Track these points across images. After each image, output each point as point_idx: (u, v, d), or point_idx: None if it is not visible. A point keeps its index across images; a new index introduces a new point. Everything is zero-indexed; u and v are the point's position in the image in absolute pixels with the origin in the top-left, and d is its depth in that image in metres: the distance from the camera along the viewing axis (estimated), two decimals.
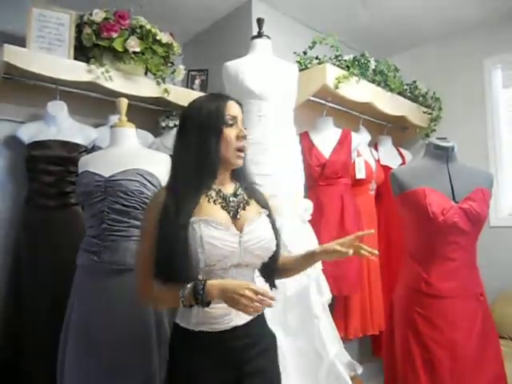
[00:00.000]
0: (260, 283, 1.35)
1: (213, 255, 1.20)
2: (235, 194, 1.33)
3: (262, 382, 1.28)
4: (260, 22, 2.39)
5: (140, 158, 1.95)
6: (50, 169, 2.19)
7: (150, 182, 1.87)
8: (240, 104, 1.36)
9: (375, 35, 3.39)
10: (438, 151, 1.97)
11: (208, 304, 1.16)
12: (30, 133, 2.25)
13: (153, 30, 2.41)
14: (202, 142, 1.26)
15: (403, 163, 3.25)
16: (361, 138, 2.85)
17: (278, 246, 1.36)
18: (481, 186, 1.91)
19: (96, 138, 2.39)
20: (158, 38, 2.44)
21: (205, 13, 2.99)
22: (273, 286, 1.39)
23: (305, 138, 2.68)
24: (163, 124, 2.80)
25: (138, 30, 2.38)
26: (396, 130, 3.44)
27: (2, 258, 2.29)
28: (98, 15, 2.28)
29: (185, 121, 1.35)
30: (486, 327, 1.85)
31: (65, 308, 1.86)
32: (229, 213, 1.28)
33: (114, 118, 2.27)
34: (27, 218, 2.20)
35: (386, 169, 2.98)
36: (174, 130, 2.80)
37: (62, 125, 2.29)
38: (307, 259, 1.41)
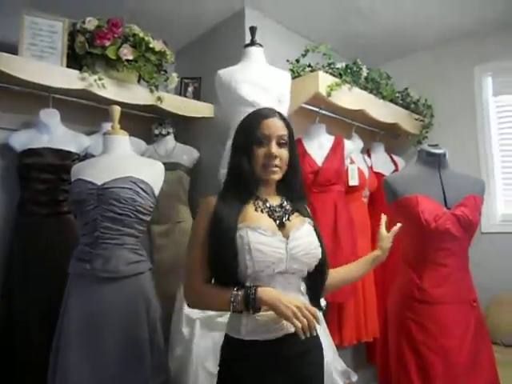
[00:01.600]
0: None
1: (260, 261, 1.24)
2: (281, 206, 1.39)
3: None
4: (253, 30, 2.40)
5: (133, 165, 1.95)
6: (43, 177, 2.18)
7: (142, 189, 1.87)
8: (284, 119, 1.42)
9: (367, 43, 3.41)
10: (430, 158, 1.99)
11: (258, 310, 1.20)
12: (22, 140, 2.24)
13: (146, 38, 2.42)
14: (237, 160, 1.37)
15: (396, 170, 3.27)
16: (353, 145, 2.86)
17: (323, 255, 1.39)
18: (473, 192, 1.92)
19: (89, 146, 2.39)
20: (151, 45, 2.44)
21: (198, 21, 3.00)
22: (318, 306, 1.38)
23: (298, 145, 2.68)
24: (156, 131, 2.81)
25: (131, 38, 2.38)
26: (388, 137, 3.46)
27: None
28: (91, 23, 2.28)
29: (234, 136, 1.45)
30: (479, 333, 1.86)
31: (57, 316, 1.84)
32: (275, 221, 1.33)
33: (106, 126, 2.27)
34: (19, 226, 2.19)
35: (379, 176, 3.00)
36: (167, 138, 2.81)
37: (55, 132, 2.29)
38: (365, 265, 1.61)
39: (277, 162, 1.34)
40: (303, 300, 1.30)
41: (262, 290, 1.20)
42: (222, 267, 1.26)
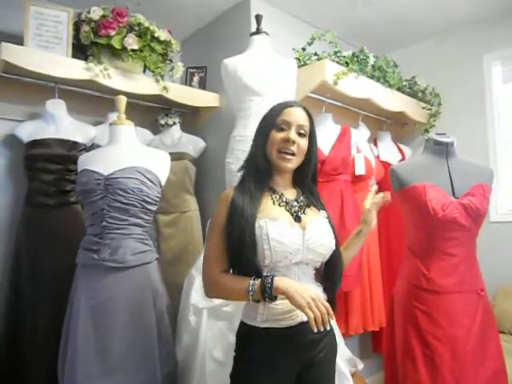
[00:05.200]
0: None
1: (279, 252, 1.26)
2: (296, 200, 1.41)
3: (320, 373, 1.37)
4: (258, 18, 2.39)
5: (139, 155, 1.95)
6: (50, 167, 2.18)
7: (149, 179, 1.87)
8: (307, 111, 1.42)
9: (374, 31, 3.38)
10: (438, 147, 1.97)
11: (275, 299, 1.22)
12: (28, 131, 2.24)
13: (151, 28, 2.40)
14: (254, 145, 1.41)
15: (403, 159, 3.25)
16: (360, 134, 2.84)
17: (337, 246, 1.42)
18: (481, 181, 1.90)
19: (95, 136, 2.39)
20: (156, 35, 2.43)
21: (203, 9, 2.98)
22: (333, 303, 1.35)
23: None
24: (162, 122, 2.80)
25: (136, 28, 2.37)
26: (395, 125, 3.43)
27: (2, 256, 2.29)
28: (96, 13, 2.27)
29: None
30: (487, 322, 1.85)
31: (65, 306, 1.86)
32: (292, 214, 1.36)
33: (112, 116, 2.27)
34: (27, 217, 2.20)
35: (386, 165, 2.98)
36: (173, 128, 2.81)
37: (61, 123, 2.29)
38: (354, 239, 1.55)
39: (294, 148, 1.34)
40: (318, 291, 1.33)
41: (279, 280, 1.22)
42: (241, 257, 1.27)
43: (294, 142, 1.34)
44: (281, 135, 1.35)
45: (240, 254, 1.27)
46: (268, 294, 1.21)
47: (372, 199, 1.56)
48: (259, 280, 1.23)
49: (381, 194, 1.58)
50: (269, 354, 1.28)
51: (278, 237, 1.26)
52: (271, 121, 1.38)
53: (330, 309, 1.21)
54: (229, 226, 1.29)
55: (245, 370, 1.32)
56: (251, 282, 1.23)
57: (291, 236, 1.28)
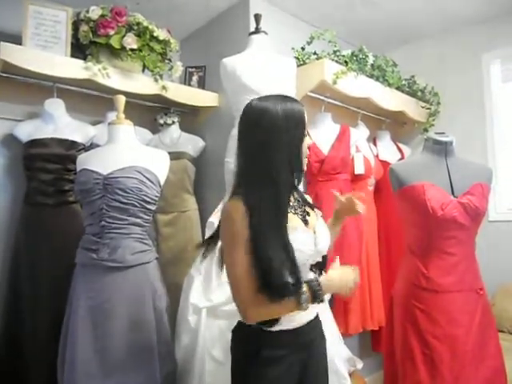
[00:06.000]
0: None
1: (300, 260, 1.23)
2: (296, 202, 1.39)
3: (321, 365, 1.42)
4: (258, 17, 2.38)
5: (138, 155, 1.94)
6: (48, 167, 2.18)
7: (148, 179, 1.87)
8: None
9: (373, 30, 3.37)
10: (437, 146, 1.97)
11: (324, 300, 1.25)
12: (27, 131, 2.24)
13: (150, 27, 2.40)
14: (283, 151, 1.25)
15: (402, 158, 3.25)
16: (359, 134, 2.84)
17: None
18: (480, 180, 1.90)
19: (94, 136, 2.39)
20: (155, 34, 2.43)
21: (202, 9, 2.97)
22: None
23: None
24: (161, 121, 2.80)
25: (135, 27, 2.37)
26: (394, 125, 3.43)
27: (1, 255, 2.29)
28: (95, 12, 2.27)
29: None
30: (486, 321, 1.85)
31: (64, 305, 1.86)
32: (301, 219, 1.34)
33: (111, 116, 2.27)
34: (26, 216, 2.20)
35: (385, 164, 2.98)
36: (172, 127, 2.81)
37: (60, 122, 2.28)
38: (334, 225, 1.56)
39: None
40: (346, 271, 1.33)
41: (323, 279, 1.25)
42: (273, 272, 1.17)
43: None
44: (306, 140, 1.33)
45: (273, 267, 1.16)
46: (319, 298, 1.22)
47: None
48: (306, 287, 1.20)
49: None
50: (284, 356, 1.29)
51: (299, 245, 1.24)
52: (302, 127, 1.30)
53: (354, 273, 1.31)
54: (257, 242, 1.18)
55: (258, 372, 1.29)
56: (300, 292, 1.19)
57: (307, 242, 1.28)
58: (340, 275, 1.29)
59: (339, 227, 1.58)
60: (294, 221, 1.29)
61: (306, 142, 1.33)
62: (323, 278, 1.25)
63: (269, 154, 1.24)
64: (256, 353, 1.29)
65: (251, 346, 1.32)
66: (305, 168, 1.36)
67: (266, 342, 1.30)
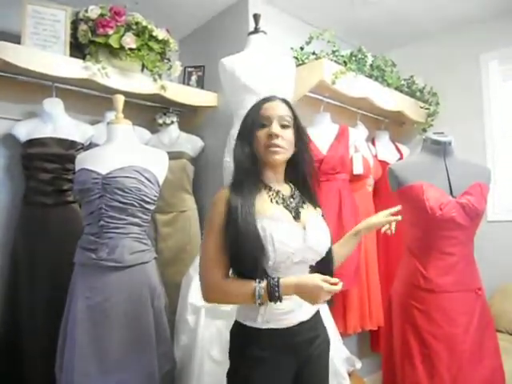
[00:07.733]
0: None
1: (282, 252, 1.24)
2: (292, 196, 1.40)
3: (317, 368, 1.38)
4: (256, 17, 2.38)
5: (137, 154, 1.94)
6: (47, 166, 2.18)
7: (147, 178, 1.87)
8: (286, 102, 1.42)
9: (372, 31, 3.37)
10: (435, 146, 1.97)
11: (281, 300, 1.21)
12: (26, 130, 2.24)
13: (149, 27, 2.40)
14: (240, 147, 1.36)
15: (401, 158, 3.25)
16: (358, 134, 2.84)
17: (331, 243, 1.43)
18: (478, 180, 1.90)
19: (93, 135, 2.39)
20: (154, 34, 2.42)
21: (201, 8, 2.98)
22: (330, 301, 1.38)
23: None
24: (160, 121, 2.80)
25: (134, 27, 2.36)
26: (393, 125, 3.44)
27: None
28: (94, 11, 2.26)
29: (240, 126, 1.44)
30: (484, 321, 1.86)
31: (62, 305, 1.86)
32: (290, 212, 1.34)
33: (110, 115, 2.27)
34: (25, 216, 2.20)
35: (384, 164, 2.98)
36: (171, 127, 2.81)
37: (59, 122, 2.28)
38: (351, 239, 1.57)
39: (279, 141, 1.33)
40: (315, 277, 1.25)
41: (284, 280, 1.22)
42: (245, 259, 1.23)
43: (277, 136, 1.32)
44: (264, 131, 1.34)
45: (244, 255, 1.22)
46: (276, 296, 1.20)
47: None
48: (264, 283, 1.21)
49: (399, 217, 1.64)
50: (270, 355, 1.28)
51: (282, 237, 1.24)
52: (253, 119, 1.36)
53: (330, 279, 1.21)
54: (230, 229, 1.24)
55: (246, 371, 1.29)
56: (256, 285, 1.21)
57: (293, 236, 1.27)
58: (311, 287, 1.20)
59: (355, 242, 1.58)
60: (276, 211, 1.30)
61: (266, 132, 1.33)
62: (284, 279, 1.22)
63: (235, 147, 1.38)
64: (243, 352, 1.31)
65: (240, 343, 1.34)
66: (269, 159, 1.34)
67: (253, 340, 1.30)
